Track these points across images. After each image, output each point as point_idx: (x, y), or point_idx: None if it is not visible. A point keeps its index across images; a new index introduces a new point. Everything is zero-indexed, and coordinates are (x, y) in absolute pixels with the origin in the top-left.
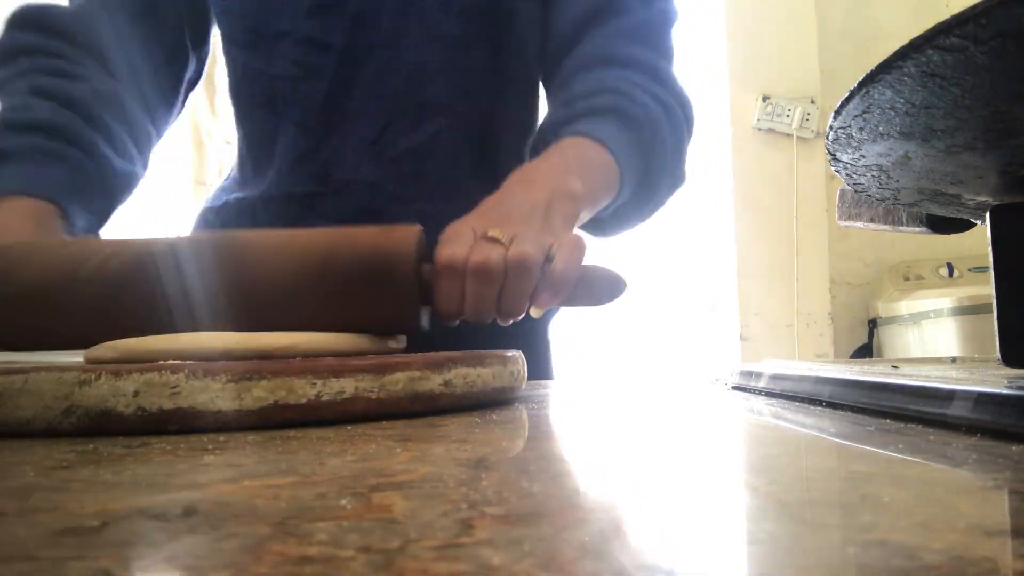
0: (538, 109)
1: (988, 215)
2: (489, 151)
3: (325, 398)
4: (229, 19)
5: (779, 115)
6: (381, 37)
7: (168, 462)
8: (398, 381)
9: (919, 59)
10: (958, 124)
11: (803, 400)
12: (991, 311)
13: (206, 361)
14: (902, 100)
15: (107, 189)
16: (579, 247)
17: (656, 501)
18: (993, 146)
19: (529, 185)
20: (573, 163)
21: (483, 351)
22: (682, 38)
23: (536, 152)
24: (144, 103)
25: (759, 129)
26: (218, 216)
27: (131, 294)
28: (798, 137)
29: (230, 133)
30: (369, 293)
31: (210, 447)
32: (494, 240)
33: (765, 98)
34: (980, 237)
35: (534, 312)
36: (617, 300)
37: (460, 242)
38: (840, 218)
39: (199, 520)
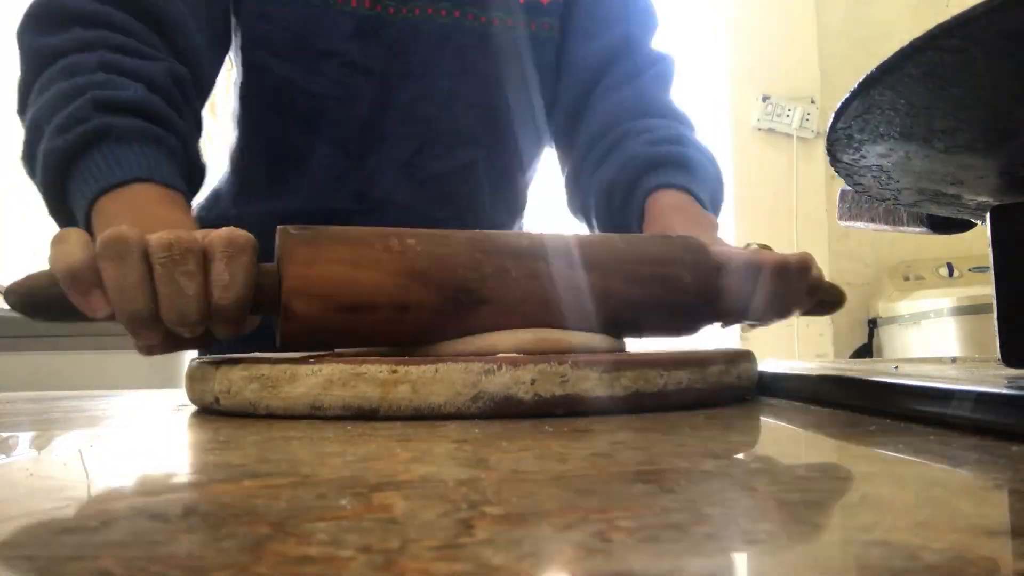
0: (542, 142)
1: (988, 215)
2: (508, 180)
3: (670, 387)
4: (270, 26)
5: (779, 115)
6: (417, 66)
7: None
8: (713, 373)
9: (920, 60)
10: (958, 125)
11: (803, 400)
12: (991, 311)
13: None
14: (903, 101)
15: (195, 182)
16: None
17: (656, 501)
18: (993, 146)
19: (707, 227)
20: (700, 216)
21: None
22: (682, 38)
23: (619, 196)
24: (202, 92)
25: (759, 129)
26: (242, 226)
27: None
28: (798, 137)
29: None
30: (681, 297)
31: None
32: (766, 247)
33: (765, 98)
34: (980, 237)
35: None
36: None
37: (738, 252)
38: (840, 218)
39: (199, 520)
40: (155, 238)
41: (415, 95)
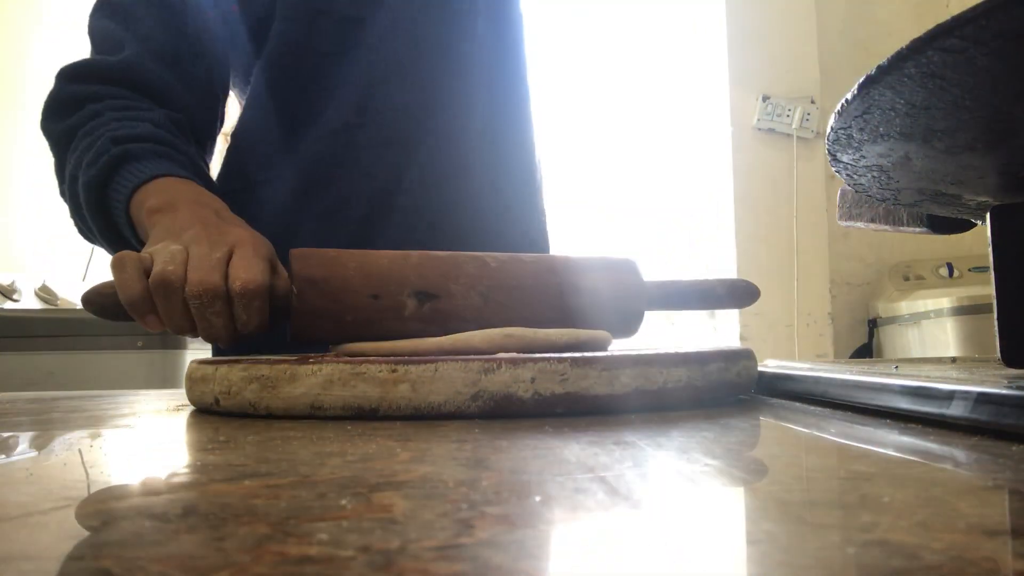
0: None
1: (988, 215)
2: (504, 85)
3: (670, 385)
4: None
5: (779, 115)
6: (396, 7)
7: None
8: (713, 371)
9: (919, 60)
10: (958, 125)
11: (803, 400)
12: (991, 311)
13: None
14: (902, 101)
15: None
16: None
17: (656, 501)
18: (993, 147)
19: None
20: None
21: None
22: (682, 38)
23: None
24: (200, 136)
25: (759, 129)
26: (265, 191)
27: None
28: (798, 137)
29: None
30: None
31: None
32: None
33: (765, 98)
34: (980, 237)
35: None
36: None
37: None
38: (840, 218)
39: (199, 520)
40: (189, 286)
41: (409, 41)
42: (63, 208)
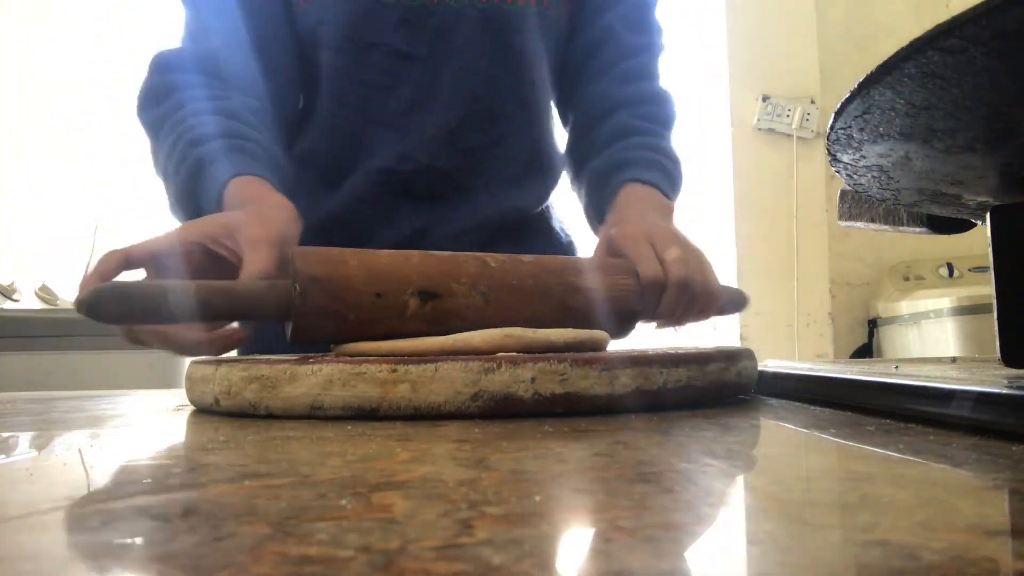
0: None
1: (988, 215)
2: (537, 155)
3: (670, 385)
4: (325, 27)
5: (779, 115)
6: (459, 48)
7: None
8: (713, 371)
9: (919, 60)
10: (958, 125)
11: (803, 400)
12: (991, 311)
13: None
14: (902, 101)
15: (282, 173)
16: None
17: (656, 501)
18: (993, 147)
19: (656, 211)
20: (658, 202)
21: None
22: (682, 38)
23: (596, 186)
24: (278, 116)
25: (759, 129)
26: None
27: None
28: (798, 137)
29: None
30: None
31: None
32: (681, 260)
33: (765, 98)
34: (980, 237)
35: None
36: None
37: (650, 261)
38: (840, 218)
39: (199, 520)
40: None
41: (458, 75)
42: (63, 208)
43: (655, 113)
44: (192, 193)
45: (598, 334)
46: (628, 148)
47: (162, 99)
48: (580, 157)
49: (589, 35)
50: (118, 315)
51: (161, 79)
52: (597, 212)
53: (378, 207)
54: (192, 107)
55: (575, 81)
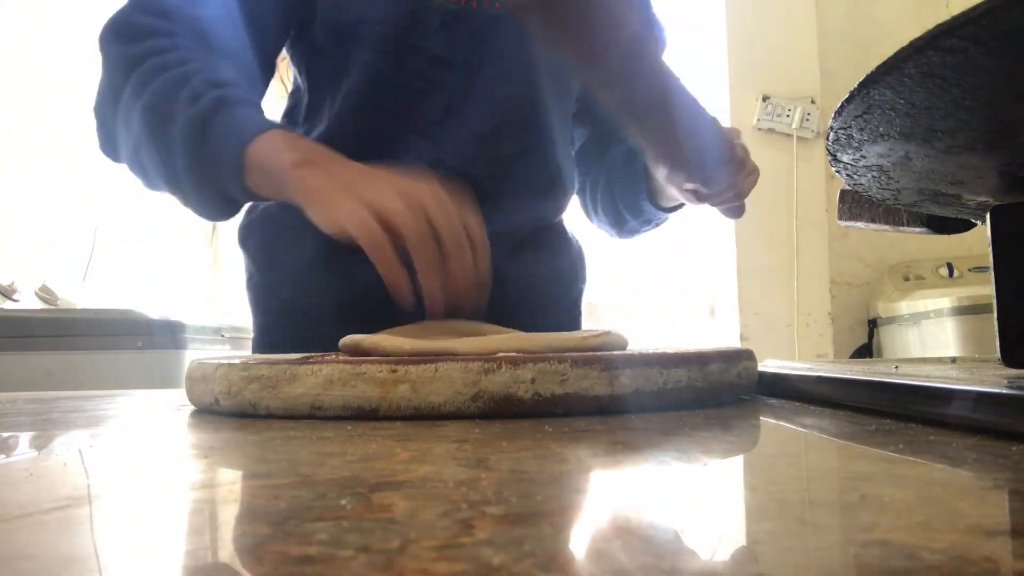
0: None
1: (988, 215)
2: (560, 164)
3: (670, 385)
4: (365, 27)
5: (779, 115)
6: (497, 54)
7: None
8: (713, 372)
9: (919, 60)
10: (958, 125)
11: (803, 400)
12: (991, 311)
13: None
14: (902, 101)
15: None
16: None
17: (655, 501)
18: (993, 147)
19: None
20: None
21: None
22: (682, 38)
23: (626, 161)
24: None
25: (759, 129)
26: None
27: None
28: (798, 137)
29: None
30: None
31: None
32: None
33: (765, 98)
34: (980, 237)
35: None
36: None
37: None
38: (840, 218)
39: (199, 520)
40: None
41: (494, 81)
42: (63, 208)
43: None
44: (200, 129)
45: (612, 338)
46: None
47: (143, 37)
48: (598, 148)
49: None
50: None
51: (145, 20)
52: (633, 182)
53: None
54: (185, 56)
55: None
